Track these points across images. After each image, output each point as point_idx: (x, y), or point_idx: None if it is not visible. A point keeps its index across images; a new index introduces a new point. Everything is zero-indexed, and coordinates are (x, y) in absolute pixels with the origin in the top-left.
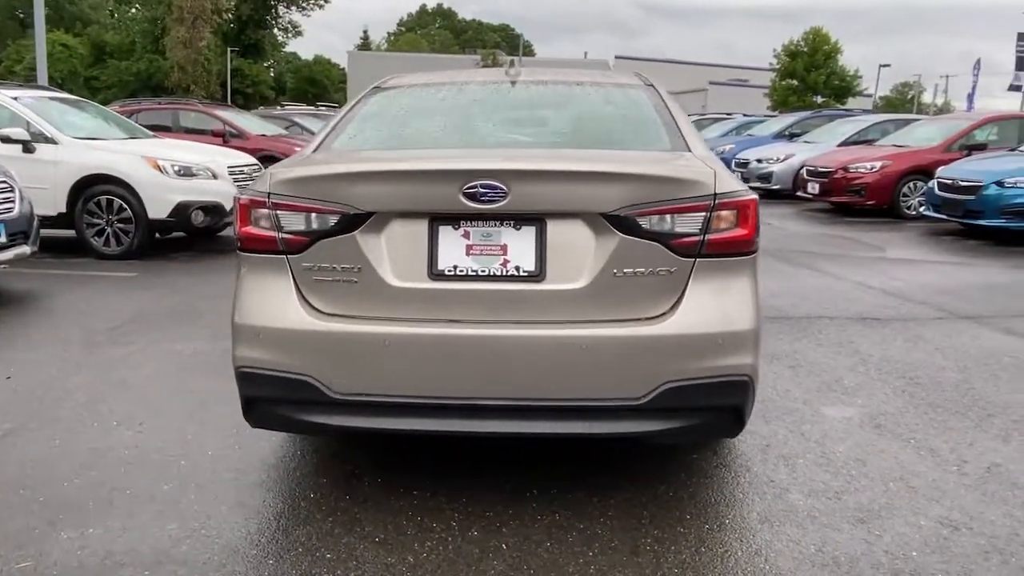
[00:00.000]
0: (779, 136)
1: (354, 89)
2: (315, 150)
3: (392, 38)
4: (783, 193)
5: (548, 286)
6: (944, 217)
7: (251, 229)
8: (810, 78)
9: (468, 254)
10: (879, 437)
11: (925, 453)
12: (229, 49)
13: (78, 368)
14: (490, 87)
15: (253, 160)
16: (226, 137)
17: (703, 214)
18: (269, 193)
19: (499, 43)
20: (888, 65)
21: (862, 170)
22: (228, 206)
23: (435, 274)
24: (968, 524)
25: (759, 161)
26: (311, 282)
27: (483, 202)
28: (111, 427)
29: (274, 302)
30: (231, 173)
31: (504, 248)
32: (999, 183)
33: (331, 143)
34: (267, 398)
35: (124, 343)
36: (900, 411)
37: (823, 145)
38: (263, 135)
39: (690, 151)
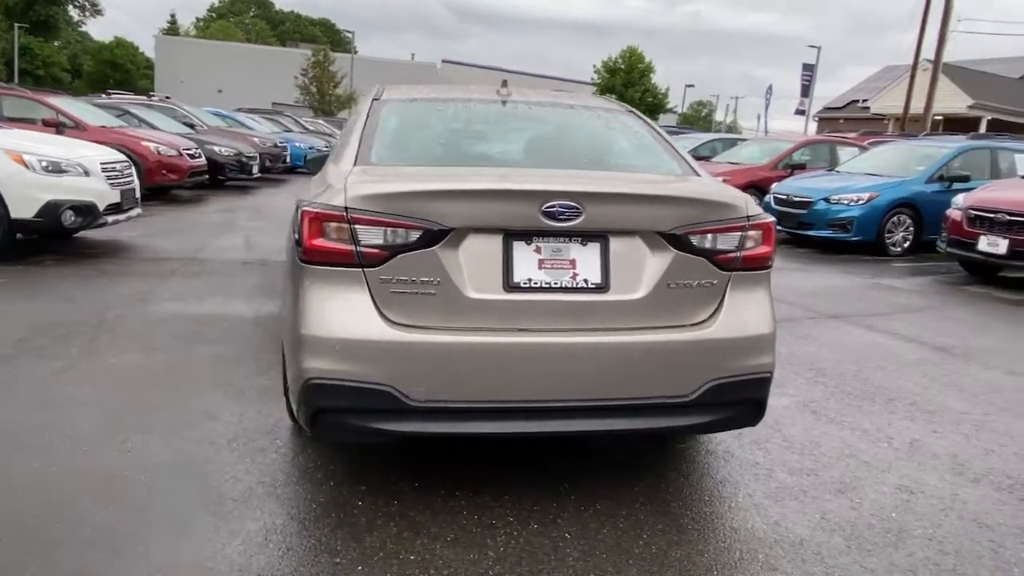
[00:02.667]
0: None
1: (163, 77)
2: (355, 164)
3: (201, 24)
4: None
5: (611, 297)
6: (780, 228)
7: (323, 242)
8: (628, 94)
9: (540, 268)
10: (818, 421)
11: (859, 433)
12: (16, 25)
13: (8, 387)
14: (496, 106)
15: (122, 156)
16: (60, 128)
17: (739, 233)
18: (347, 208)
19: (318, 37)
20: (692, 85)
21: None
22: (102, 206)
23: (511, 286)
24: (919, 488)
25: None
26: (387, 294)
27: (560, 220)
28: (93, 447)
29: (351, 314)
30: (104, 170)
31: (573, 263)
32: (827, 199)
33: (369, 157)
34: (340, 408)
35: (45, 357)
36: (823, 399)
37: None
38: (103, 126)
39: (698, 175)
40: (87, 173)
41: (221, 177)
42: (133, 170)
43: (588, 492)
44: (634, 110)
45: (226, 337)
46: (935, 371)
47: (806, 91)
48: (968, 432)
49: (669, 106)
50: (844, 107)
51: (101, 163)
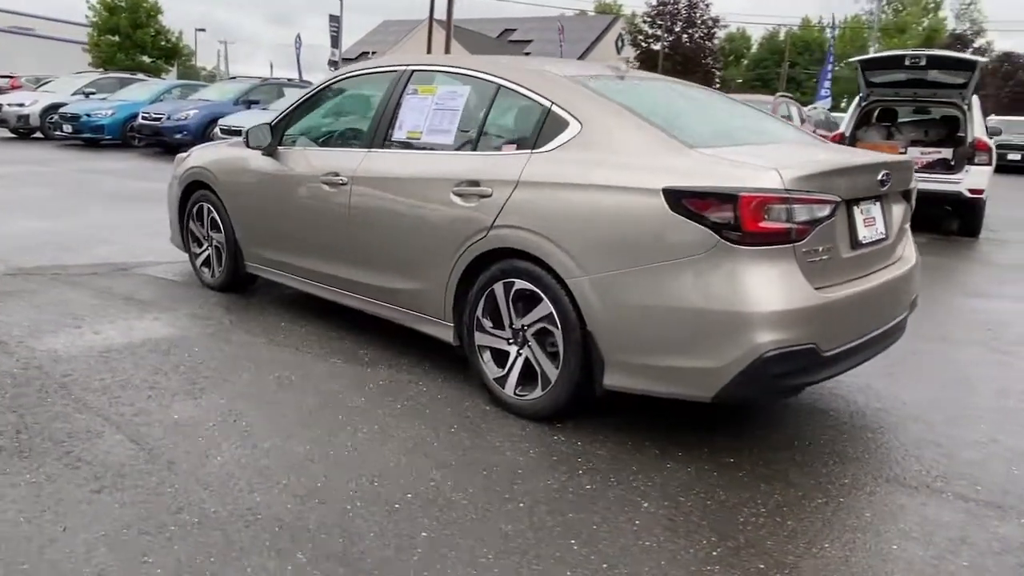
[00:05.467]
0: (239, 103)
1: None
2: (690, 147)
3: None
4: None
5: (888, 242)
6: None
7: (766, 224)
8: (138, 36)
9: (865, 226)
10: None
11: None
12: None
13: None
14: (661, 83)
15: None
16: None
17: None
18: (787, 190)
19: None
20: (204, 29)
21: None
22: None
23: (856, 243)
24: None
25: None
26: (806, 264)
27: (883, 186)
28: (420, 505)
29: (791, 287)
30: None
31: (874, 219)
32: None
33: (687, 139)
34: (783, 373)
35: (75, 438)
36: None
37: None
38: None
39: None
40: None
41: None
42: None
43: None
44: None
45: (235, 361)
46: None
47: (335, 42)
48: None
49: (187, 51)
50: (357, 58)
51: None
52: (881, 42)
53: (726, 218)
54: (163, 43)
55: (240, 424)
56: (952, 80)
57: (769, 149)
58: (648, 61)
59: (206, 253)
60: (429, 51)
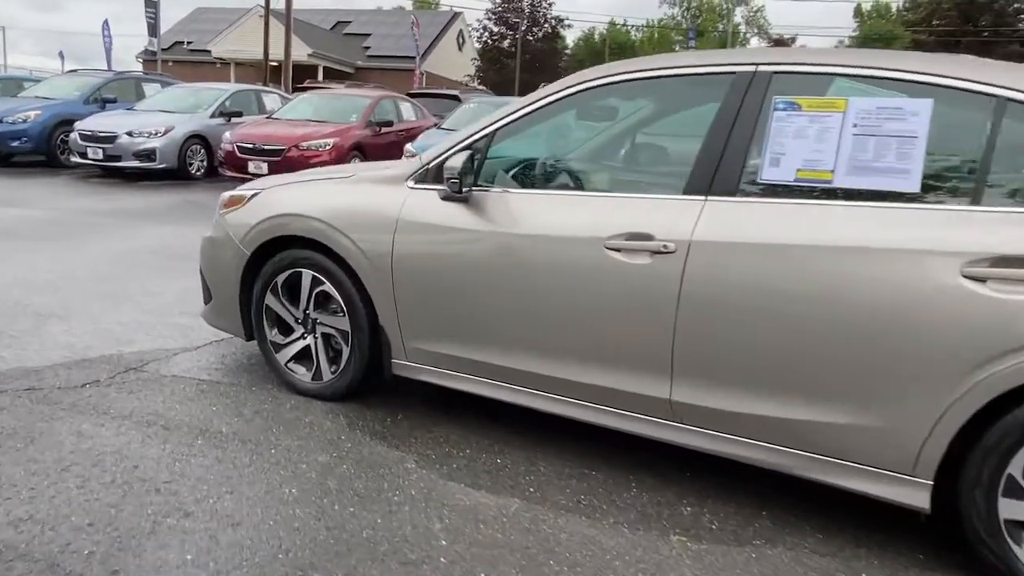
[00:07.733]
0: (89, 102)
1: None
2: None
3: None
4: (170, 172)
5: None
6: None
7: None
8: None
9: None
10: None
11: None
12: None
13: None
14: None
15: None
16: None
17: None
18: None
19: None
20: None
21: (318, 148)
22: None
23: None
24: None
25: (131, 135)
26: None
27: None
28: None
29: None
30: None
31: None
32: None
33: None
34: None
35: None
36: None
37: (194, 116)
38: None
39: None
40: None
41: None
42: None
43: None
44: None
45: (537, 561)
46: None
47: (153, 30)
48: None
49: None
50: (170, 48)
51: None
52: (683, 45)
53: None
54: None
55: None
56: None
57: None
58: (496, 61)
59: (301, 344)
60: (266, 44)
